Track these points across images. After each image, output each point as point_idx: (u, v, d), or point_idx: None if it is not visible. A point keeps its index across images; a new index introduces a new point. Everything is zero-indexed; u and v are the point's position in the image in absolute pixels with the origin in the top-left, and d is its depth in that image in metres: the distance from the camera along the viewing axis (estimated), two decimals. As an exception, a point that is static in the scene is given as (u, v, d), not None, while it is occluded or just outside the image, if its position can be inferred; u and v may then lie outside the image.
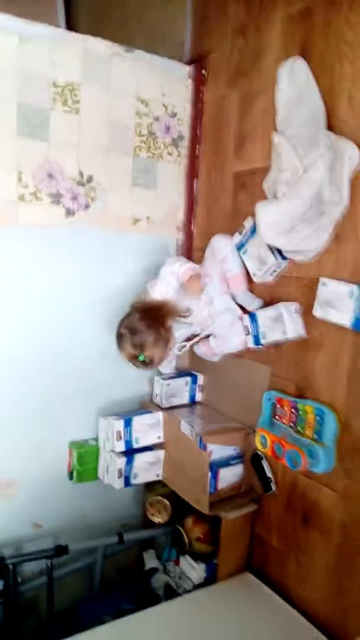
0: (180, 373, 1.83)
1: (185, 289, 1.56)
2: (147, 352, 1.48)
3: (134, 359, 1.50)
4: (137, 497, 1.95)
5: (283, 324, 1.37)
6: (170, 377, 1.78)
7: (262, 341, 1.46)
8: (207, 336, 1.67)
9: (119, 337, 1.51)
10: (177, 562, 1.74)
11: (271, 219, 1.31)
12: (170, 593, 1.70)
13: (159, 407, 1.76)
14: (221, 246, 1.56)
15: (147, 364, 1.50)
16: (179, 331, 1.63)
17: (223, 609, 1.48)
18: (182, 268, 1.55)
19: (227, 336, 1.58)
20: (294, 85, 1.41)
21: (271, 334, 1.43)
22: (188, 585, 1.65)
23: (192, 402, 1.81)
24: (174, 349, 1.61)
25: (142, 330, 1.48)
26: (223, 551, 1.59)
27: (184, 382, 1.78)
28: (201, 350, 1.70)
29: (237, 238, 1.54)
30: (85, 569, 1.79)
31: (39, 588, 1.68)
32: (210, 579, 1.63)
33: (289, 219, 1.30)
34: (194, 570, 1.62)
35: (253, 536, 1.65)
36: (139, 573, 1.83)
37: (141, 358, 1.49)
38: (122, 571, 1.93)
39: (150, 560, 1.82)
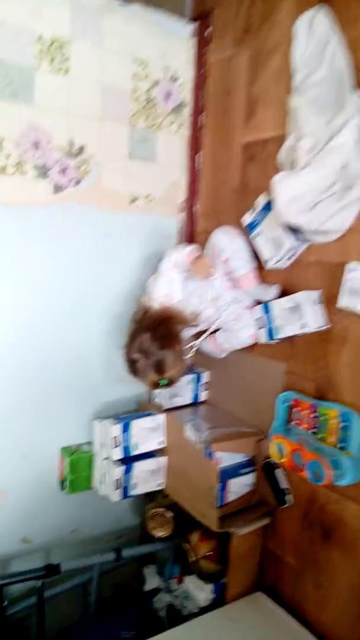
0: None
1: (193, 273, 1.40)
2: (168, 374, 1.34)
3: (154, 385, 1.37)
4: (136, 507, 1.78)
5: (302, 315, 1.18)
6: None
7: (277, 335, 1.28)
8: (214, 331, 1.48)
9: (132, 363, 1.36)
10: (180, 580, 1.57)
11: (291, 193, 1.12)
12: (174, 614, 1.53)
13: (160, 409, 1.57)
14: (222, 248, 1.38)
15: (168, 384, 1.37)
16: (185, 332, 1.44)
17: (234, 634, 1.32)
18: (183, 254, 1.40)
19: (236, 329, 1.40)
20: (314, 40, 1.22)
21: (288, 327, 1.24)
22: (193, 607, 1.49)
23: (196, 402, 1.63)
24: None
25: (158, 353, 1.32)
26: (233, 570, 1.42)
27: (186, 381, 1.60)
28: (208, 347, 1.51)
29: (248, 218, 1.34)
30: (80, 587, 1.61)
31: (28, 609, 1.51)
32: (219, 600, 1.46)
33: (312, 193, 1.11)
34: (200, 591, 1.45)
35: (265, 552, 1.48)
36: (138, 591, 1.66)
37: (164, 382, 1.35)
38: (120, 588, 1.77)
39: (151, 578, 1.65)
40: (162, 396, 1.60)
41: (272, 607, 1.41)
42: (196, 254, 1.40)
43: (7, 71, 1.30)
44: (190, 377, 1.61)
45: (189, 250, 1.41)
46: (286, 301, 1.24)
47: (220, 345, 1.47)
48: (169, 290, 1.40)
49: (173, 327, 1.35)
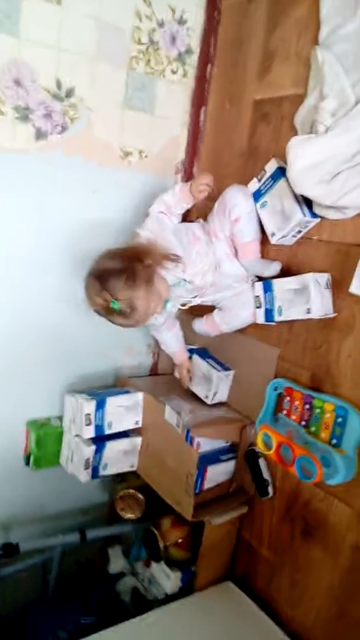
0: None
1: (194, 196, 1.26)
2: (122, 296, 1.10)
3: (106, 311, 1.14)
4: (105, 484, 1.68)
5: (308, 299, 1.07)
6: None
7: (277, 317, 1.17)
8: (212, 309, 1.35)
9: (85, 286, 1.16)
10: (147, 563, 1.50)
11: (308, 160, 0.98)
12: (138, 599, 1.46)
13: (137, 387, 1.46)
14: (236, 203, 1.21)
15: (126, 314, 1.13)
16: (176, 291, 1.28)
17: (202, 624, 1.26)
18: (175, 189, 1.28)
19: (235, 308, 1.27)
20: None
21: (290, 311, 1.13)
22: (159, 593, 1.42)
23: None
24: (168, 306, 1.22)
25: (112, 269, 1.12)
26: (204, 558, 1.35)
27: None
28: (203, 328, 1.38)
29: (254, 185, 1.21)
30: (40, 565, 1.52)
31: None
32: (186, 588, 1.39)
33: (332, 162, 0.98)
34: (167, 579, 1.38)
35: (239, 541, 1.41)
36: (101, 571, 1.58)
37: (114, 305, 1.11)
38: (83, 565, 1.69)
39: (115, 558, 1.57)
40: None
41: (242, 598, 1.36)
42: (189, 184, 1.27)
43: (-10, -8, 1.12)
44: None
45: (179, 186, 1.28)
46: (291, 281, 1.12)
47: (218, 326, 1.33)
48: (160, 230, 1.24)
49: (143, 249, 1.18)
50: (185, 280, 1.25)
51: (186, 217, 1.39)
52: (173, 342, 1.44)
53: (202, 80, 1.45)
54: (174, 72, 1.41)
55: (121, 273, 1.11)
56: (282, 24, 1.24)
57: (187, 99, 1.46)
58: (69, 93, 1.27)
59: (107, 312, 1.15)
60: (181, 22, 1.39)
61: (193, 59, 1.43)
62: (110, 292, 1.11)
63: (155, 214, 1.27)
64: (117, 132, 1.36)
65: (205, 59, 1.43)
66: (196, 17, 1.41)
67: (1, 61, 1.17)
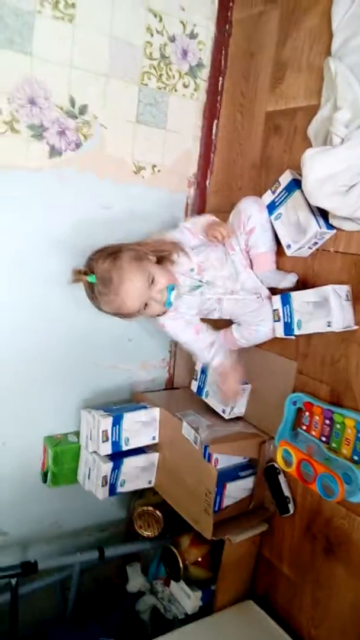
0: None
1: (209, 237, 1.21)
2: (100, 269, 1.11)
3: (90, 292, 1.15)
4: (123, 500, 1.67)
5: (329, 312, 1.05)
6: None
7: (297, 331, 1.14)
8: (230, 323, 1.33)
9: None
10: (166, 582, 1.47)
11: (324, 172, 0.97)
12: (158, 618, 1.44)
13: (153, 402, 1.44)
14: (250, 214, 1.20)
15: (107, 290, 1.11)
16: (190, 297, 1.24)
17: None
18: (200, 219, 1.27)
19: (254, 323, 1.24)
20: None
21: (310, 324, 1.10)
22: (179, 612, 1.39)
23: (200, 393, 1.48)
24: (172, 294, 1.16)
25: (101, 248, 1.15)
26: (224, 577, 1.32)
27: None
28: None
29: (268, 197, 1.20)
30: (58, 583, 1.51)
31: (1, 605, 1.41)
32: (206, 607, 1.36)
33: (348, 173, 0.97)
34: (188, 598, 1.35)
35: (260, 559, 1.38)
36: (120, 589, 1.56)
37: (90, 279, 1.11)
38: (102, 583, 1.67)
39: (134, 576, 1.55)
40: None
41: (263, 617, 1.32)
42: (213, 220, 1.25)
43: (2, 13, 1.13)
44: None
45: (207, 216, 1.27)
46: (310, 294, 1.10)
47: (236, 341, 1.30)
48: (178, 236, 1.25)
49: (147, 241, 1.21)
50: (202, 282, 1.23)
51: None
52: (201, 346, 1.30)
53: (213, 93, 1.45)
54: (185, 86, 1.42)
55: (106, 249, 1.14)
56: (293, 35, 1.24)
57: (199, 113, 1.46)
58: (82, 110, 1.28)
59: (91, 293, 1.16)
60: (192, 36, 1.40)
61: (204, 73, 1.44)
62: (90, 266, 1.14)
63: (182, 227, 1.28)
64: (130, 148, 1.37)
65: (217, 72, 1.43)
66: (207, 31, 1.42)
67: (15, 80, 1.18)
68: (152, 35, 1.33)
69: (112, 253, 1.13)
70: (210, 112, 1.46)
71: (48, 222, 1.30)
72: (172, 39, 1.36)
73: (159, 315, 1.24)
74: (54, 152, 1.26)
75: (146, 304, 1.15)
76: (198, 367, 1.45)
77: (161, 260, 1.21)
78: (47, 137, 1.24)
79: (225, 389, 1.26)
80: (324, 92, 1.12)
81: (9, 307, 1.30)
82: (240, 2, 1.39)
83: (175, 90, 1.40)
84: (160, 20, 1.34)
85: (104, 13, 1.25)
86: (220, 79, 1.44)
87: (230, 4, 1.40)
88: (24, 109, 1.20)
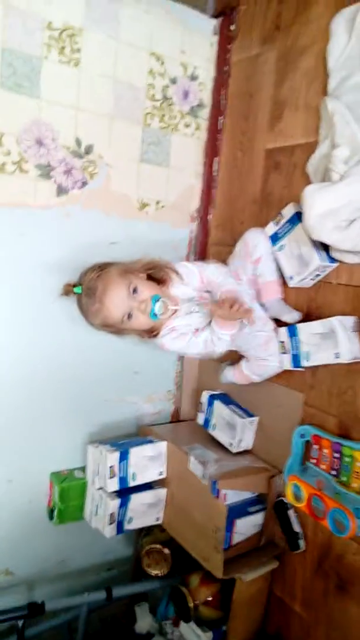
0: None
1: (216, 314, 1.15)
2: (86, 280, 1.15)
3: (78, 304, 1.19)
4: (129, 537, 1.63)
5: (336, 343, 1.05)
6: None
7: (305, 363, 1.14)
8: (239, 357, 1.33)
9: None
10: (175, 622, 1.43)
11: (324, 208, 0.99)
12: (167, 661, 1.40)
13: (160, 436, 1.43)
14: (257, 244, 1.22)
15: (90, 301, 1.14)
16: (188, 317, 1.22)
17: None
18: (228, 281, 1.22)
19: (261, 358, 1.24)
20: (355, 39, 1.10)
21: (318, 355, 1.11)
22: (189, 655, 1.35)
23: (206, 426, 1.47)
24: (157, 305, 1.14)
25: (98, 264, 1.19)
26: (235, 617, 1.29)
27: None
28: (234, 379, 1.36)
29: (271, 229, 1.22)
30: (65, 624, 1.47)
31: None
32: (217, 649, 1.33)
33: (348, 209, 0.99)
34: (198, 639, 1.31)
35: (271, 597, 1.35)
36: (128, 631, 1.52)
37: (77, 290, 1.16)
38: (109, 623, 1.63)
39: (142, 617, 1.51)
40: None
41: (276, 660, 1.28)
42: (232, 295, 1.16)
43: (11, 59, 1.18)
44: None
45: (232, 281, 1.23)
46: (316, 326, 1.10)
47: (249, 378, 1.30)
48: (183, 270, 1.25)
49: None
50: (199, 306, 1.23)
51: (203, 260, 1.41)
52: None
53: (214, 131, 1.49)
54: (187, 126, 1.46)
55: (96, 264, 1.18)
56: (290, 76, 1.28)
57: (200, 150, 1.50)
58: (88, 150, 1.31)
59: (80, 306, 1.18)
60: (193, 77, 1.45)
61: (205, 112, 1.48)
62: (79, 279, 1.18)
63: (194, 268, 1.26)
64: (135, 185, 1.40)
65: (217, 111, 1.48)
66: (207, 73, 1.46)
67: (23, 122, 1.22)
68: (154, 77, 1.38)
69: (100, 266, 1.18)
70: (212, 150, 1.49)
71: (55, 257, 1.32)
72: (174, 81, 1.41)
73: (153, 334, 1.22)
74: (61, 190, 1.29)
75: (130, 315, 1.14)
76: (204, 400, 1.44)
77: (154, 281, 1.22)
78: (55, 176, 1.28)
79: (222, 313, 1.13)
80: (321, 130, 1.15)
81: (15, 342, 1.31)
82: (238, 45, 1.44)
83: (177, 130, 1.44)
84: (162, 63, 1.39)
85: (108, 57, 1.30)
86: (221, 118, 1.48)
87: (229, 46, 1.45)
88: (31, 149, 1.24)
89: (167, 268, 1.23)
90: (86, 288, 1.15)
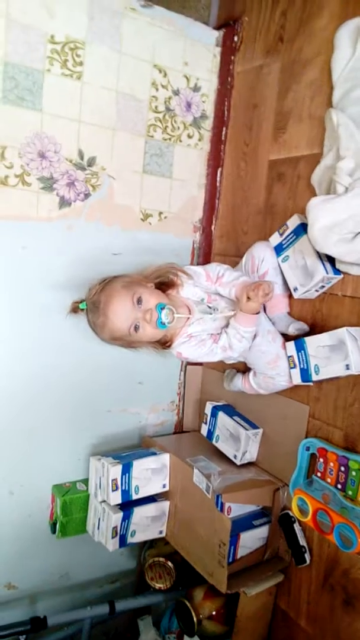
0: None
1: (238, 302, 1.15)
2: (90, 295, 1.14)
3: (88, 321, 1.17)
4: (133, 549, 1.62)
5: (346, 354, 1.04)
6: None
7: (315, 377, 1.13)
8: (247, 369, 1.32)
9: None
10: (179, 636, 1.42)
11: (330, 220, 0.99)
12: None
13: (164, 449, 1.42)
14: (264, 257, 1.22)
15: (95, 317, 1.12)
16: (202, 322, 1.20)
17: None
18: (241, 278, 1.20)
19: (268, 374, 1.22)
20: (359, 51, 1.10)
21: (328, 368, 1.09)
22: (193, 670, 1.33)
23: (210, 437, 1.46)
24: (163, 313, 1.10)
25: (103, 278, 1.16)
26: (239, 632, 1.27)
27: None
28: (241, 386, 1.35)
29: (276, 239, 1.21)
30: (68, 638, 1.45)
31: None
32: (222, 664, 1.31)
33: (354, 221, 0.98)
34: (202, 655, 1.30)
35: (276, 611, 1.33)
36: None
37: (83, 306, 1.15)
38: (112, 636, 1.61)
39: (146, 630, 1.49)
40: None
41: None
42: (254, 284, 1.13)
43: (13, 73, 1.18)
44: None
45: (242, 277, 1.20)
46: (324, 338, 1.09)
47: (256, 391, 1.29)
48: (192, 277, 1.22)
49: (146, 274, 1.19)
50: (211, 307, 1.21)
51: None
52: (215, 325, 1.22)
53: (217, 142, 1.49)
54: (190, 137, 1.46)
55: (102, 279, 1.16)
56: (294, 87, 1.28)
57: (203, 161, 1.50)
58: (91, 162, 1.31)
59: (89, 322, 1.16)
60: (196, 89, 1.45)
61: (208, 123, 1.48)
62: (86, 295, 1.16)
63: (200, 269, 1.24)
64: (138, 197, 1.40)
65: (220, 122, 1.48)
66: (210, 84, 1.47)
67: (26, 135, 1.22)
68: (157, 89, 1.38)
69: (104, 280, 1.15)
70: (215, 161, 1.49)
71: (58, 268, 1.32)
72: (177, 93, 1.41)
73: (166, 345, 1.20)
74: (64, 202, 1.29)
75: (137, 326, 1.11)
76: (207, 411, 1.44)
77: (163, 287, 1.20)
78: (57, 189, 1.28)
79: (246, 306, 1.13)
80: (326, 141, 1.15)
81: (16, 353, 1.31)
82: (241, 56, 1.44)
83: (180, 141, 1.44)
84: (165, 75, 1.39)
85: (110, 70, 1.30)
86: (224, 129, 1.48)
87: (232, 57, 1.46)
88: (34, 162, 1.24)
89: (174, 269, 1.20)
90: (90, 303, 1.14)
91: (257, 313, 1.15)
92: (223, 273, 1.21)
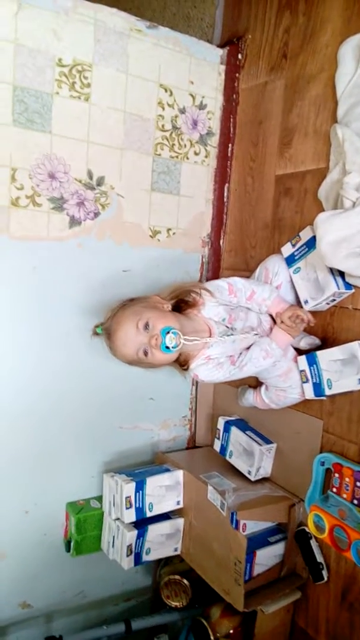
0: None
1: (279, 332, 1.17)
2: (105, 319, 1.14)
3: (94, 331, 1.17)
4: (148, 567, 1.61)
5: (358, 368, 1.03)
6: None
7: (328, 391, 1.12)
8: (260, 383, 1.32)
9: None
10: (196, 656, 1.40)
11: (338, 234, 0.99)
12: None
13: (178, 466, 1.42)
14: (278, 271, 1.22)
15: (109, 339, 1.12)
16: (222, 344, 1.17)
17: None
18: (273, 296, 1.20)
19: (280, 389, 1.23)
20: (363, 66, 1.11)
21: (341, 382, 1.08)
22: None
23: (223, 453, 1.45)
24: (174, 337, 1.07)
25: (123, 302, 1.16)
26: (257, 651, 1.25)
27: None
28: (254, 402, 1.35)
29: (288, 250, 1.21)
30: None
31: None
32: None
33: (362, 235, 0.98)
34: (220, 675, 1.28)
35: (294, 628, 1.32)
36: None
37: (99, 330, 1.15)
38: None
39: (163, 650, 1.48)
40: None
41: None
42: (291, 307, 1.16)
43: (23, 96, 1.20)
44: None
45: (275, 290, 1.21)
46: (336, 352, 1.09)
47: (268, 405, 1.29)
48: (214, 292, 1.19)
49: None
50: (230, 328, 1.20)
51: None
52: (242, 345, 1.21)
53: (224, 159, 1.50)
54: (196, 154, 1.47)
55: (122, 302, 1.16)
56: (298, 103, 1.29)
57: (210, 177, 1.51)
58: (100, 182, 1.33)
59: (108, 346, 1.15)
60: (201, 107, 1.46)
61: (214, 140, 1.49)
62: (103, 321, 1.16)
63: (223, 283, 1.21)
64: (146, 214, 1.41)
65: (226, 139, 1.49)
66: (215, 101, 1.48)
67: (36, 157, 1.24)
68: (163, 108, 1.40)
69: (120, 303, 1.15)
70: (222, 177, 1.50)
71: (68, 287, 1.33)
72: (183, 111, 1.43)
73: (185, 366, 1.18)
74: (74, 222, 1.31)
75: (145, 351, 1.08)
76: (220, 426, 1.43)
77: (184, 306, 1.18)
78: (67, 209, 1.29)
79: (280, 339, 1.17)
80: (332, 156, 1.15)
81: (27, 371, 1.31)
82: (246, 73, 1.46)
83: (187, 158, 1.46)
84: (171, 94, 1.41)
85: (117, 91, 1.32)
86: (230, 145, 1.50)
87: (237, 75, 1.47)
88: (44, 183, 1.25)
89: (195, 288, 1.19)
90: (105, 329, 1.14)
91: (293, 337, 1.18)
92: (254, 290, 1.20)
